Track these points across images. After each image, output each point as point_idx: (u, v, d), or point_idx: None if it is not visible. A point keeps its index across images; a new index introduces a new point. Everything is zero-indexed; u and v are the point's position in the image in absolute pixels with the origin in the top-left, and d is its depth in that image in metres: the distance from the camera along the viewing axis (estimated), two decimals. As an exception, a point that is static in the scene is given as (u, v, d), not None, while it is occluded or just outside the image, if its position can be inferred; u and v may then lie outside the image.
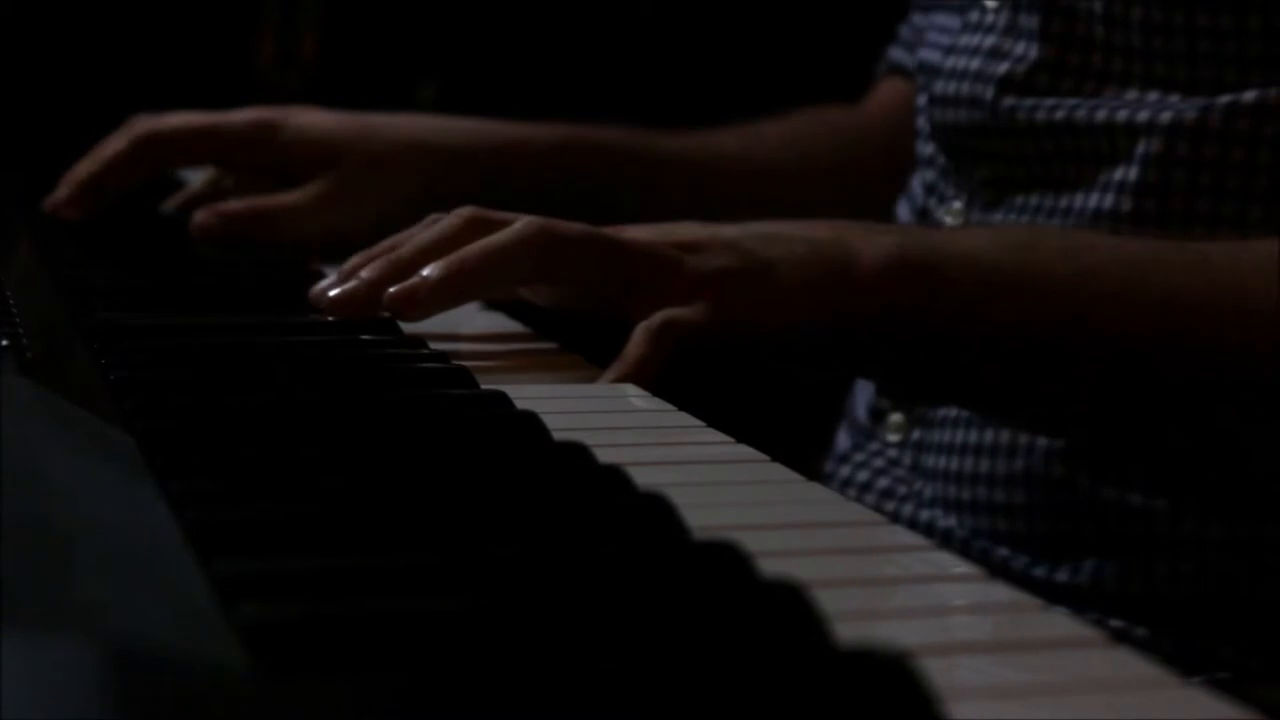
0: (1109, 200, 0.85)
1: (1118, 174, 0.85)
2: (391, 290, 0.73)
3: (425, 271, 0.73)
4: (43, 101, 1.72)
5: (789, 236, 0.76)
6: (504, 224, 0.74)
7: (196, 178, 1.09)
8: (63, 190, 1.01)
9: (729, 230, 0.77)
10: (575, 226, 0.75)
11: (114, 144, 1.01)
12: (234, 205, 0.99)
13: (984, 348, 0.76)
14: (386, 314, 0.75)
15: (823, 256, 0.75)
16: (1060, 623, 0.45)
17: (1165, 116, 0.83)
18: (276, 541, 0.47)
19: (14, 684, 0.33)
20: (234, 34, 1.77)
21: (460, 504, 0.51)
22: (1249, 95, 0.82)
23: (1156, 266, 0.76)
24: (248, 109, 1.02)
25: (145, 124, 1.00)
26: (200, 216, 0.98)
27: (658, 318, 0.73)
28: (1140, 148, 0.84)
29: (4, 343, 0.67)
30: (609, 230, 0.76)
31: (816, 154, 1.09)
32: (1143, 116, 0.84)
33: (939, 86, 0.92)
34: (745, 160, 1.08)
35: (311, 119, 1.01)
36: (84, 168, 1.01)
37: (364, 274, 0.76)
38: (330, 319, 0.76)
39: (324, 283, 0.78)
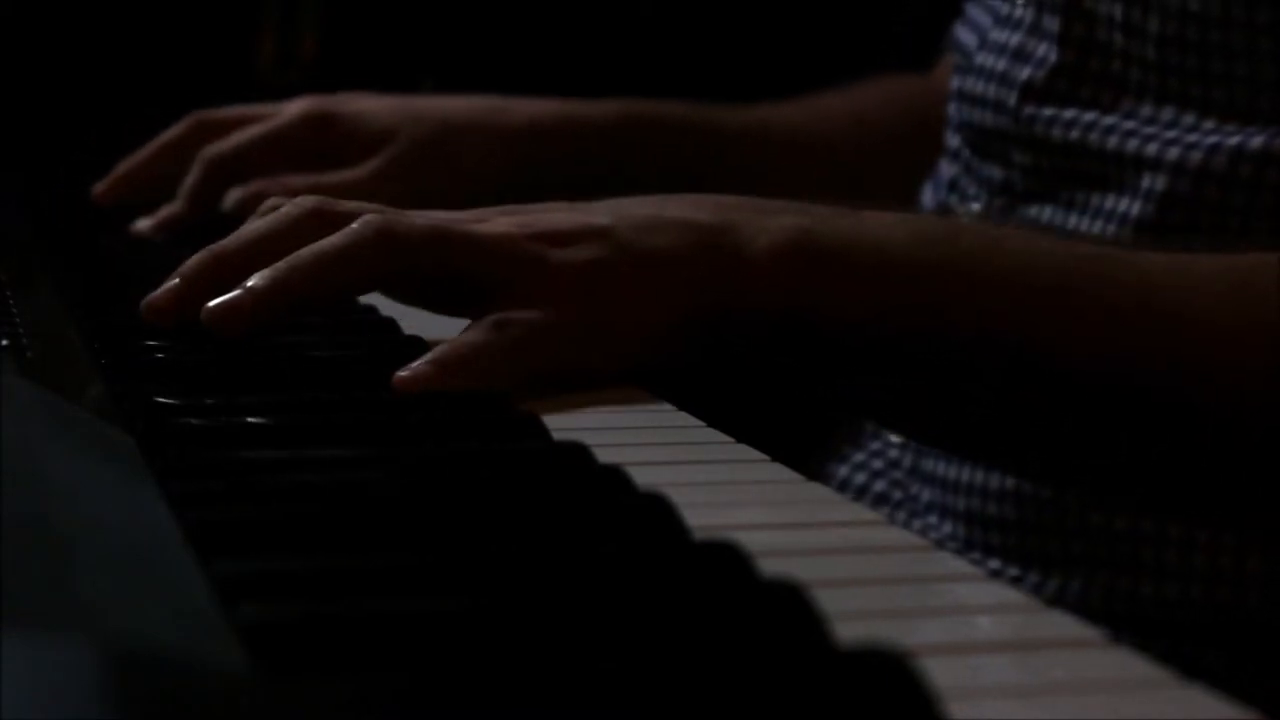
0: (1110, 230, 0.84)
1: (1121, 205, 0.84)
2: (210, 305, 0.67)
3: (250, 282, 0.66)
4: (42, 101, 1.72)
5: (673, 222, 0.70)
6: (345, 216, 0.68)
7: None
8: (111, 180, 1.02)
9: (601, 216, 0.70)
10: (420, 223, 0.68)
11: (170, 134, 1.01)
12: (295, 180, 0.98)
13: (892, 342, 0.70)
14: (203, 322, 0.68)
15: (707, 244, 0.69)
16: (1061, 623, 0.45)
17: (1172, 153, 0.82)
18: (276, 541, 0.47)
19: (14, 684, 0.33)
20: (234, 33, 1.77)
21: (460, 504, 0.51)
22: (1255, 140, 0.80)
23: (1081, 275, 0.71)
24: (295, 101, 1.01)
25: (211, 148, 0.99)
26: (257, 186, 0.97)
27: (508, 316, 0.67)
28: (1145, 182, 0.82)
29: (4, 343, 0.67)
30: (464, 223, 0.70)
31: (877, 127, 1.06)
32: (1151, 150, 0.82)
33: (968, 83, 0.90)
34: (806, 134, 1.05)
35: (363, 105, 1.01)
36: (138, 157, 1.02)
37: (183, 271, 0.69)
38: (329, 319, 0.76)
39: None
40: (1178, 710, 0.40)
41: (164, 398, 0.60)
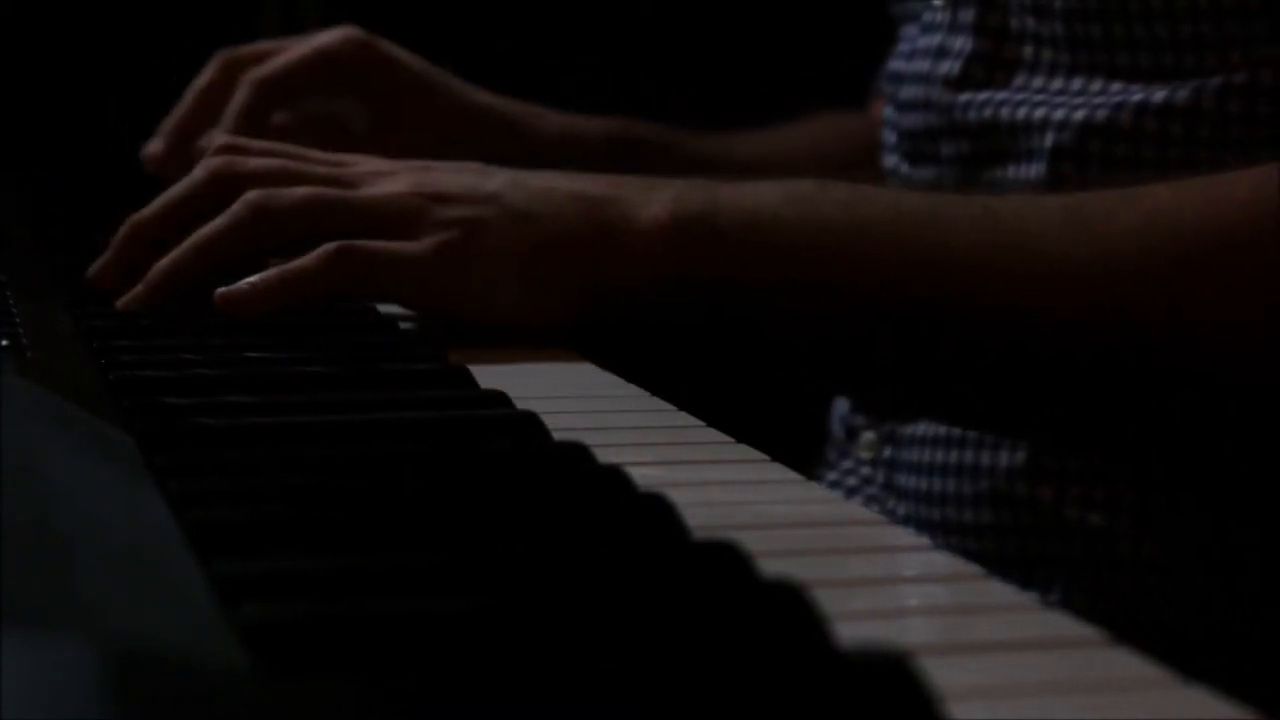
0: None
1: (1030, 171, 0.84)
2: (122, 299, 0.76)
3: (151, 272, 0.75)
4: (42, 100, 1.72)
5: (563, 192, 0.74)
6: (246, 179, 0.75)
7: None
8: (161, 143, 1.00)
9: (495, 180, 0.75)
10: (297, 193, 0.74)
11: (201, 79, 1.00)
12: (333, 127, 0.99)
13: (769, 306, 0.74)
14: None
15: (592, 216, 0.73)
16: (1060, 622, 0.45)
17: (1079, 115, 0.83)
18: (277, 541, 0.47)
19: (14, 684, 0.33)
20: (234, 32, 1.77)
21: (460, 504, 0.51)
22: (1157, 95, 0.81)
23: (935, 219, 0.74)
24: (334, 30, 1.00)
25: (256, 69, 0.98)
26: (301, 113, 0.99)
27: (346, 244, 0.72)
28: (1049, 142, 0.83)
29: (4, 343, 0.67)
30: (353, 183, 0.76)
31: (829, 158, 1.09)
32: (1058, 114, 0.83)
33: (903, 92, 0.92)
34: (768, 162, 1.08)
35: (407, 55, 1.01)
36: (178, 112, 1.00)
37: (114, 243, 0.79)
38: (329, 318, 0.76)
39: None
40: (1178, 710, 0.40)
41: (164, 398, 0.60)
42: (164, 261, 0.75)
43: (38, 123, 1.70)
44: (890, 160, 0.95)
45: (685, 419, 0.65)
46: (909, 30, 0.96)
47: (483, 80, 1.05)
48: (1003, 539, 0.86)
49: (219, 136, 0.87)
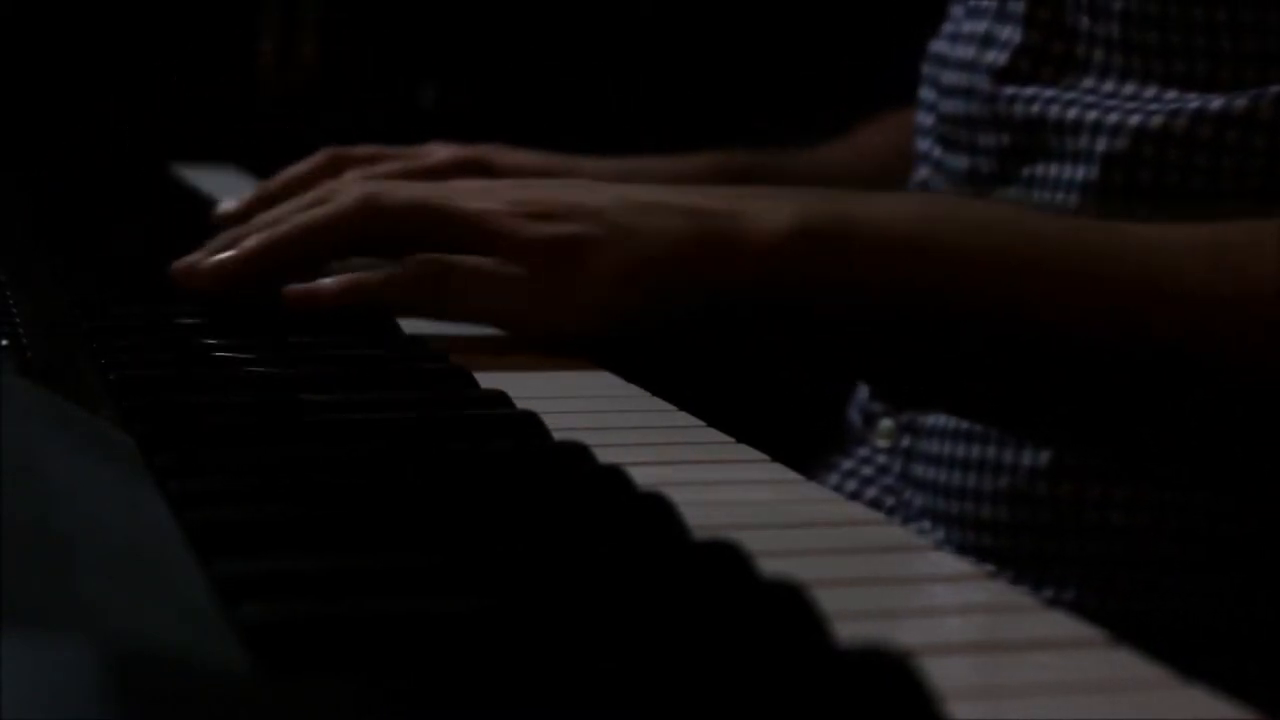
0: (1074, 199, 0.84)
1: (1083, 173, 0.84)
2: (207, 262, 0.74)
3: (245, 242, 0.74)
4: (44, 102, 1.72)
5: (673, 206, 0.73)
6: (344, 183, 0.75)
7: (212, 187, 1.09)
8: (235, 203, 0.95)
9: (601, 196, 0.73)
10: (403, 195, 0.73)
11: (308, 169, 0.95)
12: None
13: (896, 320, 0.73)
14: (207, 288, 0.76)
15: (707, 229, 0.72)
16: (1061, 622, 0.45)
17: (1134, 119, 0.82)
18: (277, 541, 0.47)
19: (14, 684, 0.33)
20: (234, 34, 1.77)
21: (460, 504, 0.51)
22: (1214, 103, 0.81)
23: (1077, 246, 0.73)
24: (440, 145, 0.96)
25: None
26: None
27: (431, 257, 0.72)
28: (1102, 146, 0.83)
29: (4, 343, 0.67)
30: (452, 196, 0.74)
31: (897, 162, 1.08)
32: (1112, 118, 0.83)
33: (945, 77, 0.91)
34: (855, 174, 1.06)
35: (515, 159, 0.97)
36: (267, 186, 0.95)
37: (210, 244, 0.77)
38: (329, 318, 0.76)
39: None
40: (1178, 710, 0.40)
41: (164, 398, 0.60)
42: (264, 235, 0.73)
43: (38, 122, 1.70)
44: (924, 144, 0.95)
45: (685, 419, 0.65)
46: (956, 10, 0.95)
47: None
48: (1020, 536, 0.86)
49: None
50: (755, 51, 1.76)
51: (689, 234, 0.72)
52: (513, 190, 0.74)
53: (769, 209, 0.72)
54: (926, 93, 0.95)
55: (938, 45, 0.95)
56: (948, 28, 0.94)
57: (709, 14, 1.78)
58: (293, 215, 0.75)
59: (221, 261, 0.74)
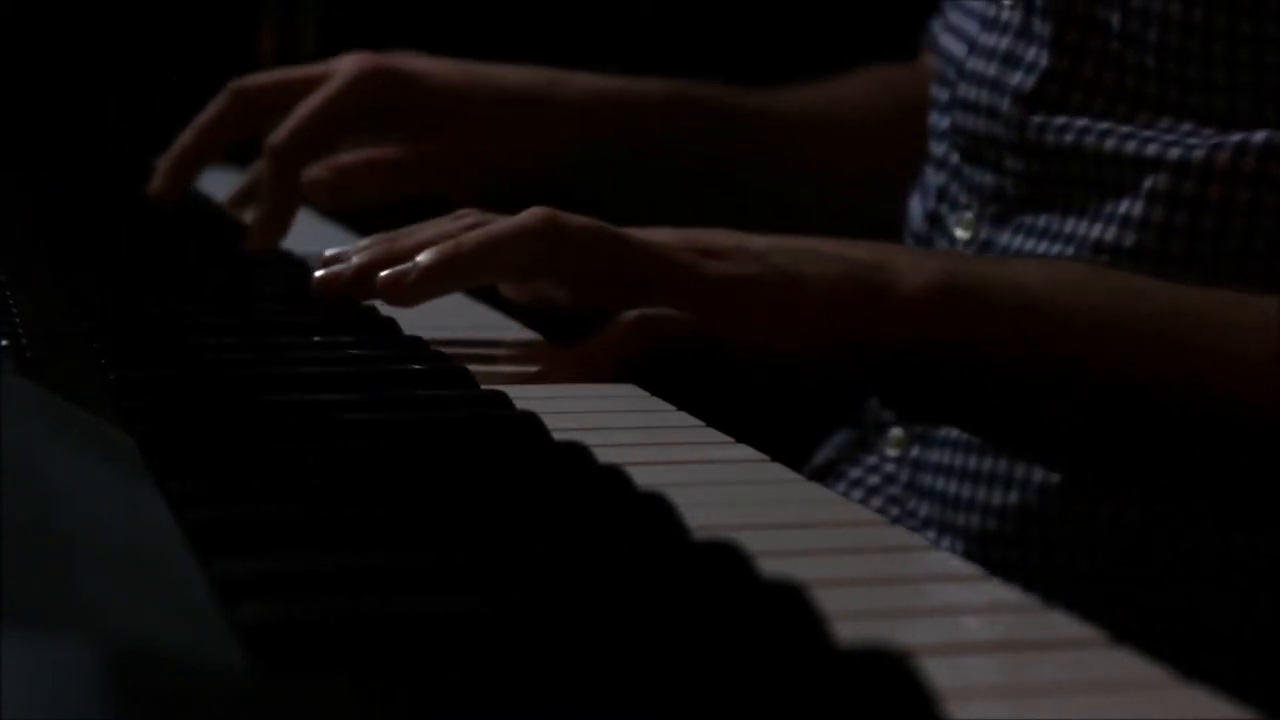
0: (1111, 233, 0.83)
1: (1123, 207, 0.83)
2: (383, 274, 0.73)
3: (419, 257, 0.72)
4: (43, 99, 1.72)
5: (825, 254, 0.74)
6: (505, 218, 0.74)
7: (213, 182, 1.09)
8: (160, 174, 0.99)
9: (759, 241, 0.75)
10: (583, 220, 0.73)
11: (209, 109, 0.98)
12: (348, 159, 0.96)
13: (1022, 382, 0.75)
14: (373, 300, 0.75)
15: (859, 278, 0.73)
16: (1061, 623, 0.45)
17: (1174, 153, 0.81)
18: (276, 542, 0.47)
19: (14, 684, 0.33)
20: (234, 31, 1.77)
21: (460, 504, 0.51)
22: (1258, 136, 0.80)
23: (1214, 321, 0.74)
24: (344, 58, 0.97)
25: (274, 136, 0.96)
26: (313, 172, 0.95)
27: (637, 313, 0.72)
28: (1147, 183, 0.82)
29: (4, 343, 0.67)
30: (624, 229, 0.74)
31: (878, 111, 1.07)
32: (1151, 150, 0.82)
33: (962, 89, 0.90)
34: (819, 117, 1.07)
35: (425, 64, 0.98)
36: (180, 142, 0.99)
37: (355, 258, 0.75)
38: (329, 318, 0.76)
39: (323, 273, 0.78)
40: (1178, 710, 0.40)
41: (164, 398, 0.60)
42: (436, 251, 0.72)
43: (38, 123, 1.70)
44: (939, 148, 0.94)
45: (685, 419, 0.65)
46: (958, 14, 0.94)
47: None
48: (1028, 550, 0.86)
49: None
50: (755, 51, 1.76)
51: (844, 281, 0.73)
52: (674, 232, 0.75)
53: (915, 267, 0.74)
54: (939, 92, 0.94)
55: (946, 41, 0.94)
56: (964, 26, 0.93)
57: (709, 13, 1.78)
58: (464, 232, 0.74)
59: (401, 273, 0.72)
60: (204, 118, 1.00)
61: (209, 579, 0.43)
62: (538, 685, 0.37)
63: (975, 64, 0.89)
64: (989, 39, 0.89)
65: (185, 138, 1.00)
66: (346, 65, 0.97)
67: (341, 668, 0.39)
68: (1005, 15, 0.89)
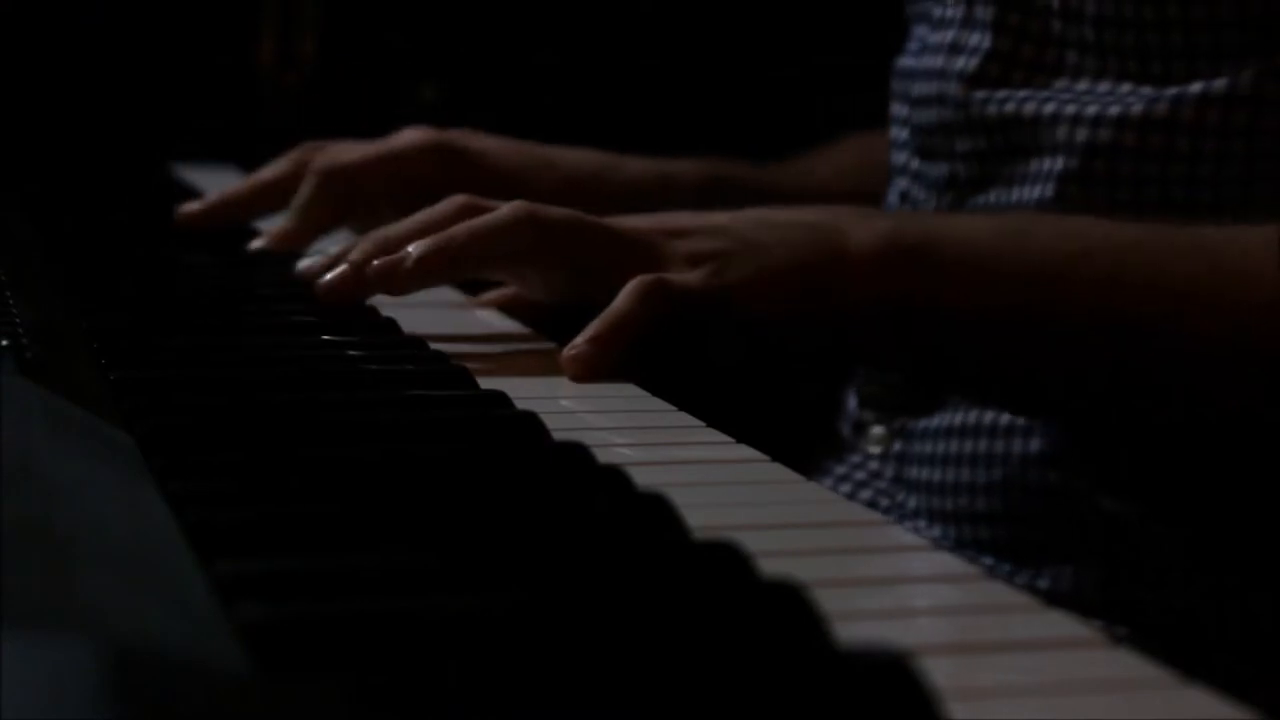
0: (1051, 189, 0.84)
1: (1058, 164, 0.85)
2: (375, 263, 0.76)
3: (410, 248, 0.75)
4: (44, 102, 1.72)
5: (782, 222, 0.78)
6: (492, 208, 0.77)
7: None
8: (204, 203, 0.99)
9: (720, 216, 0.78)
10: (562, 210, 0.77)
11: (282, 170, 0.99)
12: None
13: (980, 332, 0.77)
14: (369, 296, 0.77)
15: (816, 241, 0.76)
16: (1060, 623, 0.45)
17: (1113, 110, 0.83)
18: (276, 542, 0.47)
19: (14, 684, 0.33)
20: (234, 34, 1.77)
21: (460, 504, 0.51)
22: (1195, 87, 0.81)
23: (1154, 248, 0.76)
24: (408, 131, 0.99)
25: (324, 159, 0.97)
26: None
27: (650, 276, 0.74)
28: (1082, 137, 0.84)
29: (4, 343, 0.67)
30: (599, 218, 0.78)
31: (861, 189, 1.09)
32: (1091, 111, 0.83)
33: (916, 89, 0.92)
34: (833, 191, 1.08)
35: (487, 144, 1.00)
36: (239, 189, 1.00)
37: (350, 257, 0.78)
38: (329, 319, 0.76)
39: (308, 262, 0.81)
40: (1177, 710, 0.40)
41: (164, 398, 0.60)
42: (424, 243, 0.75)
43: (38, 123, 1.70)
44: (900, 157, 0.95)
45: (685, 419, 0.65)
46: (919, 30, 0.96)
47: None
48: (1014, 526, 0.87)
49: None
50: (755, 50, 1.76)
51: (808, 247, 0.76)
52: (641, 218, 0.79)
53: (863, 224, 0.77)
54: (898, 108, 0.96)
55: (904, 61, 0.95)
56: (912, 45, 0.95)
57: (709, 13, 1.78)
58: (453, 224, 0.77)
59: (392, 264, 0.75)
60: (268, 174, 1.00)
61: (209, 579, 0.43)
62: (538, 685, 0.37)
63: (925, 61, 0.91)
64: (937, 37, 0.91)
65: (244, 186, 1.00)
66: (409, 135, 0.99)
67: (341, 668, 0.39)
68: (949, 12, 0.90)
